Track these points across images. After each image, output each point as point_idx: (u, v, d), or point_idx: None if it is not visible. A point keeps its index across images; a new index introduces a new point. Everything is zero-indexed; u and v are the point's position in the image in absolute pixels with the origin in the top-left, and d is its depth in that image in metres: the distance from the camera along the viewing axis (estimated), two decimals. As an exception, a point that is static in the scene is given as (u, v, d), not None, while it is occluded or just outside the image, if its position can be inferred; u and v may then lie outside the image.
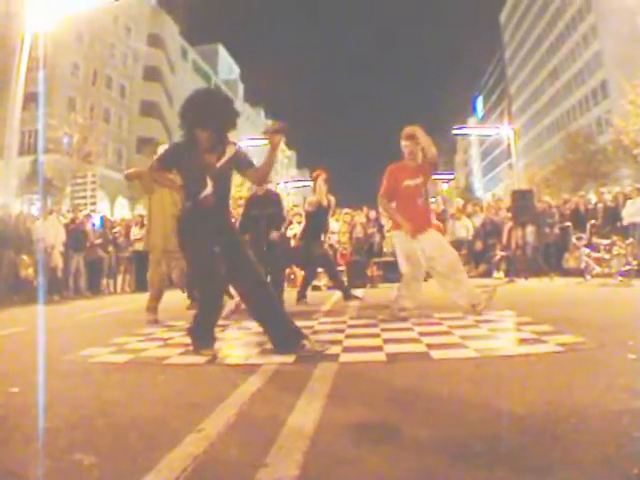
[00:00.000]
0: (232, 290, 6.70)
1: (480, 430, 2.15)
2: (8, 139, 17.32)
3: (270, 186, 9.25)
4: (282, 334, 3.94)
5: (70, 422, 2.47)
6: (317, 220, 8.68)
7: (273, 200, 8.37)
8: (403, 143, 5.91)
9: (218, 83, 71.53)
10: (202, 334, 4.07)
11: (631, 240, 11.91)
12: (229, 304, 7.02)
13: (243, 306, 6.97)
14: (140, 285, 14.55)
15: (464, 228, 15.56)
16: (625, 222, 13.33)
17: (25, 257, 12.24)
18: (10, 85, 17.12)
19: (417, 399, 2.66)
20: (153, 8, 51.07)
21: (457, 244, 14.90)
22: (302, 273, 11.82)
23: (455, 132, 51.49)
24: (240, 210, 12.14)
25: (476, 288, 6.04)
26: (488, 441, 2.01)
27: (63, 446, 2.14)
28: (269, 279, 8.59)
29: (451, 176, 75.83)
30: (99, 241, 14.82)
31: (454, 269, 5.84)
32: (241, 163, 4.12)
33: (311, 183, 8.79)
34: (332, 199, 8.77)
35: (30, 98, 23.75)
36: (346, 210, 17.76)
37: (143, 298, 8.12)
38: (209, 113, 3.88)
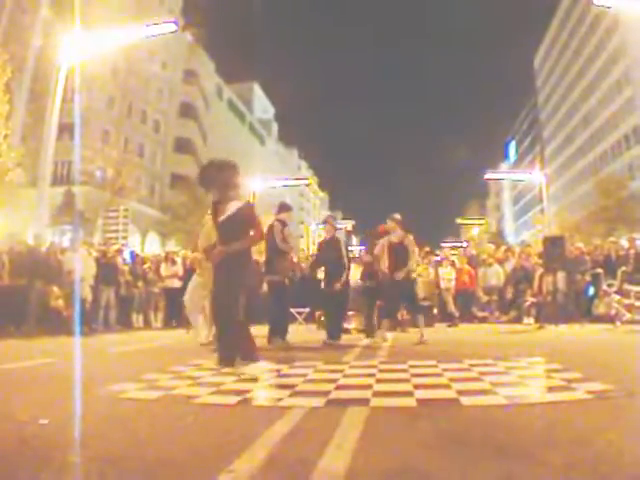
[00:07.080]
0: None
1: (514, 478, 2.11)
2: (42, 169, 17.74)
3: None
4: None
5: (100, 458, 2.47)
6: None
7: (335, 246, 8.76)
8: None
9: (252, 122, 72.27)
10: None
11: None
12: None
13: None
14: (170, 321, 14.77)
15: (495, 275, 15.61)
16: (657, 269, 13.07)
17: (55, 288, 12.41)
18: (45, 116, 17.67)
19: (448, 445, 2.62)
20: (190, 44, 50.97)
21: (488, 290, 15.08)
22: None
23: (487, 177, 51.20)
24: None
25: None
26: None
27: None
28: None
29: (481, 221, 75.96)
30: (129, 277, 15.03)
31: None
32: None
33: (343, 224, 8.99)
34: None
35: (64, 129, 24.33)
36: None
37: (173, 335, 8.17)
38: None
